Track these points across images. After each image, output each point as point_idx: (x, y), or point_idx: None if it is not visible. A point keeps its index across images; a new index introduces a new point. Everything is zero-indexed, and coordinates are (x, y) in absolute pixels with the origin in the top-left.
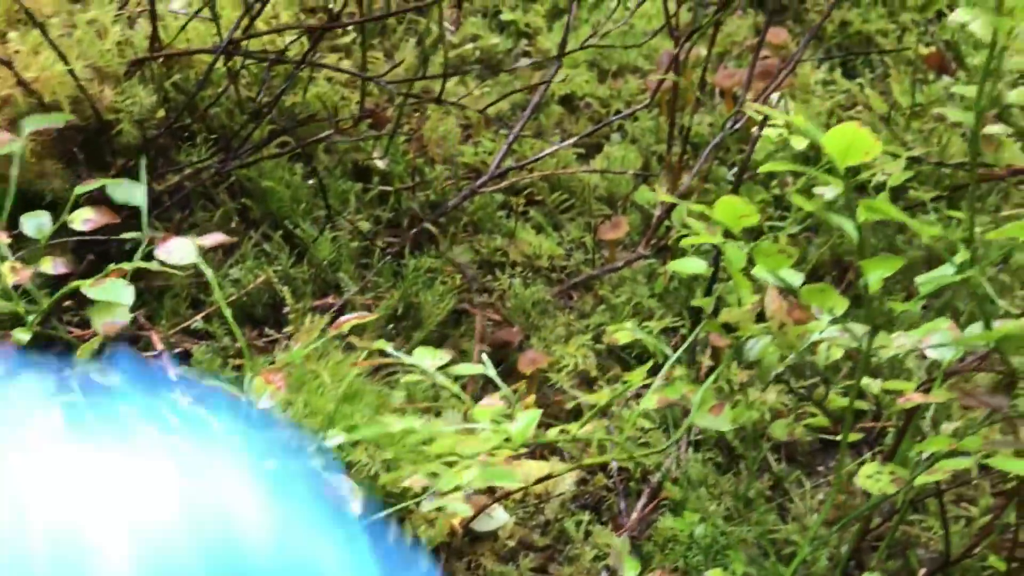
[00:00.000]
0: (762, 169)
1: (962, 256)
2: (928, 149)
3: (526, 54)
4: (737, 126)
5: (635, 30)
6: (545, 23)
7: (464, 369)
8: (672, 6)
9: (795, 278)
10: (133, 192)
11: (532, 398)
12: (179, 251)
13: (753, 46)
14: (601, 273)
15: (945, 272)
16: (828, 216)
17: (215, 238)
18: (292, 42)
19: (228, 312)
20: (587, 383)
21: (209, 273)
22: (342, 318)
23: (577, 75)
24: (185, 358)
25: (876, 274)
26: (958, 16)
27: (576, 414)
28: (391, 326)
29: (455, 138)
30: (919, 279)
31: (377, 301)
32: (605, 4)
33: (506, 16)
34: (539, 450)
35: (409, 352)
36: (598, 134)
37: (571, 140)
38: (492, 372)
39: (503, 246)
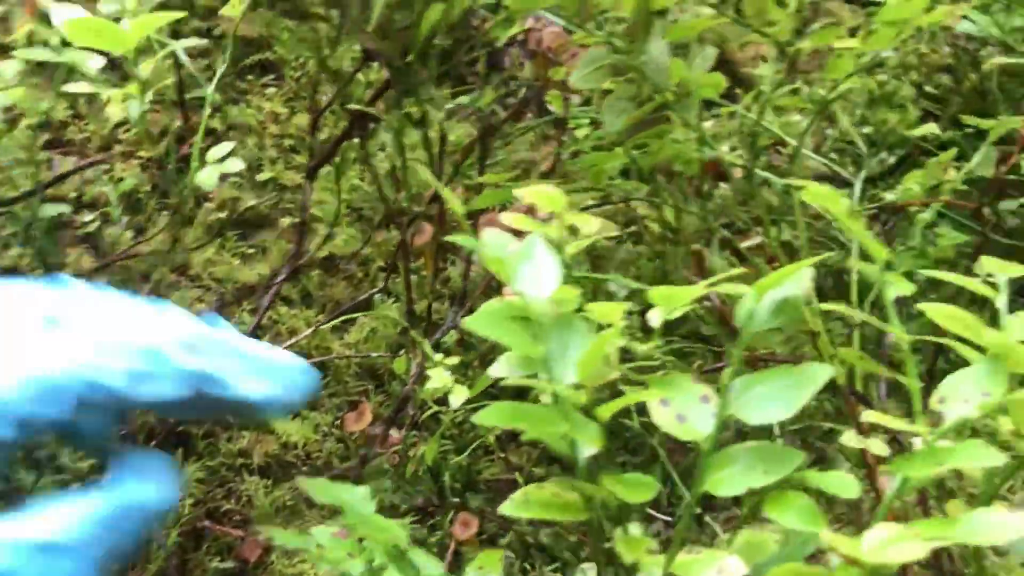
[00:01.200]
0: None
1: None
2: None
3: (287, 212)
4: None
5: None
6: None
7: None
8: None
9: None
10: None
11: None
12: None
13: (533, 161)
14: (341, 473)
15: None
16: None
17: None
18: None
19: None
20: None
21: None
22: None
23: (339, 232)
24: None
25: None
26: None
27: None
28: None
29: None
30: None
31: None
32: (380, 137)
33: (264, 174)
34: None
35: None
36: (361, 294)
37: (312, 328)
38: None
39: (251, 444)
